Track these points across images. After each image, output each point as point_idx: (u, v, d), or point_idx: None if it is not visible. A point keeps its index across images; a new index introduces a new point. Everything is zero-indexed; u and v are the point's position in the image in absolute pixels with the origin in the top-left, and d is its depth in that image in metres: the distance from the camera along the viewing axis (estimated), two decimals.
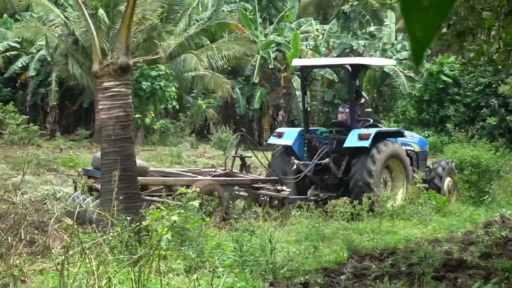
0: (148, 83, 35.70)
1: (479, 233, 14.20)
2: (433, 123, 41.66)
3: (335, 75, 40.96)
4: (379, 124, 19.47)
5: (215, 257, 9.93)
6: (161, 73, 35.87)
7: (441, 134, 40.30)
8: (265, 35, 42.92)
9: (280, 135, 17.55)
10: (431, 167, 18.97)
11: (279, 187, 15.49)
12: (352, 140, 16.18)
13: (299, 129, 18.14)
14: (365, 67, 20.43)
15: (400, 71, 41.54)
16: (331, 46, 44.65)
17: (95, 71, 11.33)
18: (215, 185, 14.21)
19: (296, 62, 21.13)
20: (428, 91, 41.26)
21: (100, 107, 11.53)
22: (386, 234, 13.67)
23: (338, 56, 43.63)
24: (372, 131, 16.42)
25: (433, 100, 41.55)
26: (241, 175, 16.13)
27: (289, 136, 17.36)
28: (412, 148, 18.37)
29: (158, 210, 7.93)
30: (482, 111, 39.37)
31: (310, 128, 18.45)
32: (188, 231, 10.05)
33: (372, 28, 44.85)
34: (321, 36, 43.57)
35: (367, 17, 46.45)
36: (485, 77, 38.91)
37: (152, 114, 36.77)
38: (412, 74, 42.86)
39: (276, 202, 15.26)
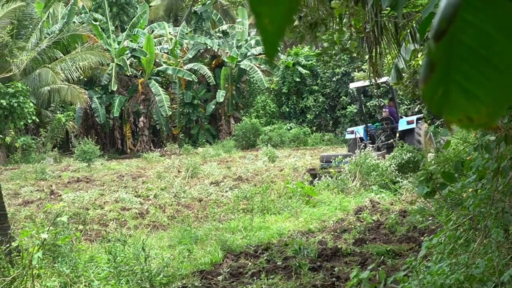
0: (5, 101, 34.73)
1: (350, 220, 14.42)
2: (294, 115, 42.36)
3: (193, 75, 41.08)
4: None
5: (89, 271, 9.79)
6: (17, 90, 34.97)
7: (303, 125, 41.08)
8: (118, 42, 42.51)
9: (353, 132, 24.87)
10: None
11: None
12: (403, 125, 24.14)
13: (362, 126, 25.91)
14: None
15: (256, 66, 41.97)
16: (186, 48, 44.70)
17: None
18: None
19: (353, 85, 28.51)
20: (286, 84, 41.88)
21: None
22: (259, 230, 13.66)
23: (193, 56, 43.86)
24: (414, 117, 24.51)
25: (292, 92, 42.24)
26: None
27: (359, 131, 24.86)
28: None
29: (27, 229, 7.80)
30: (341, 99, 40.33)
31: (369, 124, 26.20)
32: (60, 247, 9.89)
33: (224, 27, 45.12)
34: (174, 39, 43.53)
35: (219, 16, 46.75)
36: (341, 66, 39.86)
37: (12, 132, 35.84)
38: (268, 68, 43.45)
39: None
